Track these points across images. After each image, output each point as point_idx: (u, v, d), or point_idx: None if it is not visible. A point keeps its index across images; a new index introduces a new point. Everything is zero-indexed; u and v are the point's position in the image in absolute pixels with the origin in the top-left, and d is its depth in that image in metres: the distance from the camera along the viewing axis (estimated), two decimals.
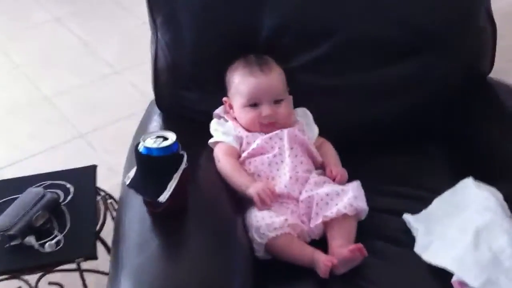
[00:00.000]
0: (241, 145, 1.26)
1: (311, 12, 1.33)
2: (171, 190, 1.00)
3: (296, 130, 1.27)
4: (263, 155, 1.24)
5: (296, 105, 1.33)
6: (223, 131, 1.28)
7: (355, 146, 1.32)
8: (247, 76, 1.26)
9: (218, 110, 1.33)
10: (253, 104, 1.26)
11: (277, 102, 1.27)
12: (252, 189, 1.17)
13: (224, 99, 1.32)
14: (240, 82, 1.27)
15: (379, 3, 1.34)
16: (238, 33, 1.32)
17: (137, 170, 1.05)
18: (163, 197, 1.00)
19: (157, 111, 1.41)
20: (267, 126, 1.27)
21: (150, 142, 1.01)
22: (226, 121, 1.31)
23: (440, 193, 1.22)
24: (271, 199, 1.16)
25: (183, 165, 1.03)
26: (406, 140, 1.38)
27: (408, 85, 1.37)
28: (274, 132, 1.25)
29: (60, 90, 2.37)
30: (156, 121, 1.38)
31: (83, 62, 2.55)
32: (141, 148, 1.01)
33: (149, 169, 1.03)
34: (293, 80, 1.32)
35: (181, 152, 1.03)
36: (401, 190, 1.29)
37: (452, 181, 1.23)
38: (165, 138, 1.02)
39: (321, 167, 1.29)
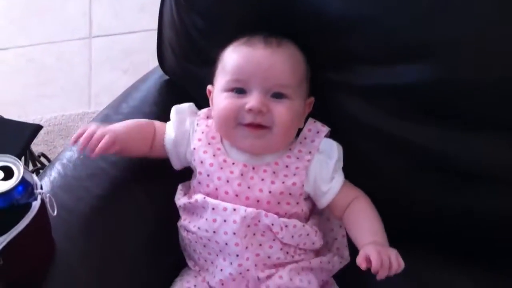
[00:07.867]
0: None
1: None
2: (2, 245, 0.65)
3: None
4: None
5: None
6: (177, 119, 0.90)
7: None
8: (240, 45, 0.84)
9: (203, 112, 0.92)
10: (238, 88, 0.82)
11: (277, 95, 0.82)
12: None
13: (209, 87, 0.90)
14: (229, 54, 0.85)
15: None
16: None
17: None
18: None
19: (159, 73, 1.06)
20: (249, 127, 0.81)
21: None
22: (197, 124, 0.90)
23: None
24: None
25: (31, 215, 0.65)
26: None
27: None
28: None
29: None
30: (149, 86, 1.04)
31: None
32: None
33: None
34: (335, 107, 0.88)
35: (31, 197, 0.65)
36: None
37: None
38: (7, 170, 0.65)
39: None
